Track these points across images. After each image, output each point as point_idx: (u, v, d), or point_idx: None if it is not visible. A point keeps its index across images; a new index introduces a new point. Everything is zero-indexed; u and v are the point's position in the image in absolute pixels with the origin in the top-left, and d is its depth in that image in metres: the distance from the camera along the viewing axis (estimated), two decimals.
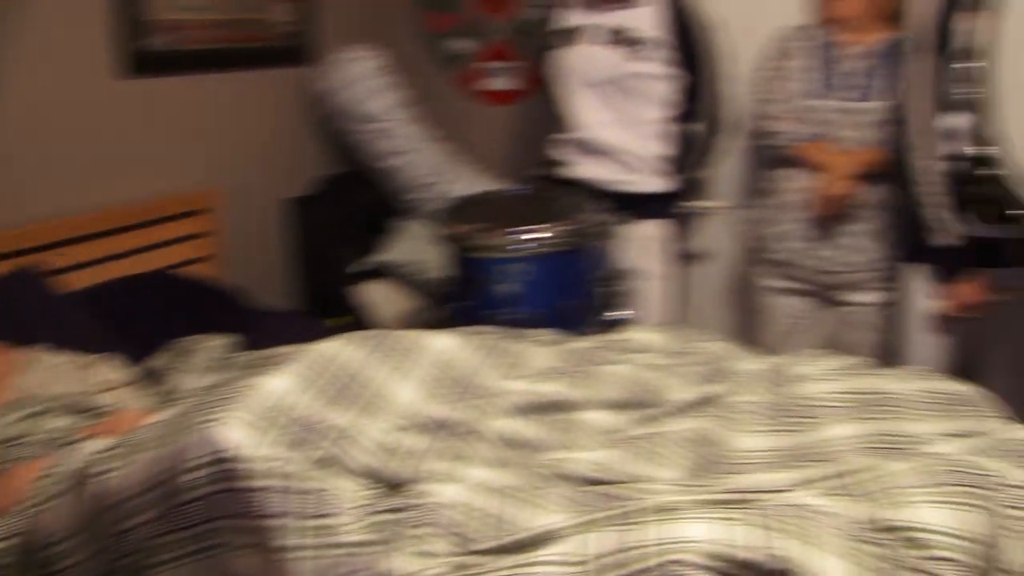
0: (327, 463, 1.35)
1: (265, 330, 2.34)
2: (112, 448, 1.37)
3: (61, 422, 1.69)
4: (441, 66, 3.69)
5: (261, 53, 3.21)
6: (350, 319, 3.07)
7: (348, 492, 1.29)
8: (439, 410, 1.59)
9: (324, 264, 3.26)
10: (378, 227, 3.28)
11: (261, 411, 1.34)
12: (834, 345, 2.51)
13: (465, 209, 2.85)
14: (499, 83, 3.64)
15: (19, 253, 2.40)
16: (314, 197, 3.34)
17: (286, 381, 1.44)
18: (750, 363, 1.92)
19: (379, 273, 3.19)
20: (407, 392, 1.60)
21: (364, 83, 3.30)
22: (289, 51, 3.32)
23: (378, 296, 3.15)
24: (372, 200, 3.34)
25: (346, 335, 1.68)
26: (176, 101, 2.91)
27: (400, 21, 3.70)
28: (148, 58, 2.79)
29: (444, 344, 1.77)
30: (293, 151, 3.35)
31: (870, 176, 2.52)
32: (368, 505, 1.30)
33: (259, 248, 3.23)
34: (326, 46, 3.37)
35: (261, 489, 1.22)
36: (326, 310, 3.11)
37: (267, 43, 3.24)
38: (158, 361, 2.16)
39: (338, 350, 1.60)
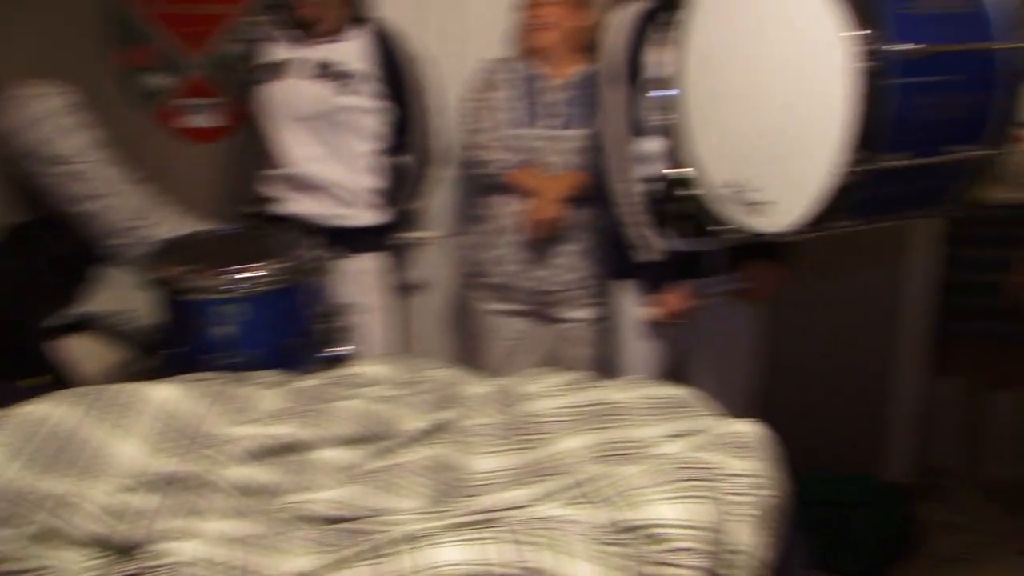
0: (45, 536, 1.25)
1: None
2: None
3: None
4: (137, 103, 3.52)
5: None
6: (49, 378, 2.84)
7: (74, 564, 1.21)
8: (167, 464, 1.52)
9: (13, 320, 2.98)
10: (77, 277, 3.06)
11: None
12: (555, 362, 2.65)
13: (173, 251, 2.72)
14: (201, 120, 3.51)
15: None
16: (5, 247, 3.05)
17: None
18: (478, 387, 1.98)
19: (82, 326, 2.97)
20: (130, 449, 1.52)
21: (50, 122, 3.07)
22: None
23: (81, 350, 2.93)
24: (68, 248, 3.11)
25: (56, 394, 1.56)
26: None
27: (89, 55, 3.48)
28: None
29: (165, 394, 1.69)
30: None
31: (576, 199, 2.69)
32: (96, 572, 1.21)
33: None
34: (3, 82, 3.11)
35: None
36: (19, 370, 2.85)
37: None
38: None
39: (48, 412, 1.49)
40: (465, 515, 1.34)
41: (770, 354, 2.63)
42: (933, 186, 1.82)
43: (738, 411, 1.80)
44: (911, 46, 1.63)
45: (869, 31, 1.60)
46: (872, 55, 1.60)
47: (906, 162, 1.67)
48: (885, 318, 3.32)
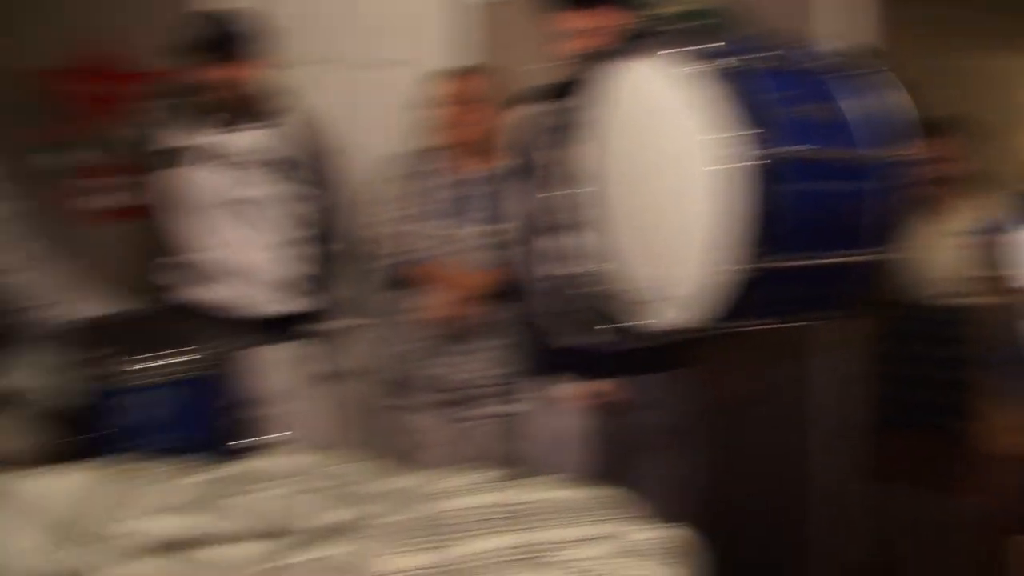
0: None
1: None
2: None
3: None
4: (36, 182, 3.42)
5: None
6: None
7: None
8: (57, 562, 1.46)
9: None
10: None
11: None
12: (469, 458, 2.62)
13: (88, 333, 2.67)
14: (103, 201, 3.43)
15: None
16: None
17: None
18: (390, 482, 1.95)
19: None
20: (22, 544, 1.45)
21: None
22: None
23: None
24: None
25: None
26: None
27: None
28: None
29: (59, 484, 1.63)
30: None
31: (491, 294, 2.70)
32: None
33: None
34: None
35: None
36: None
37: None
38: None
39: None
40: None
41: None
42: (830, 287, 1.89)
43: (676, 511, 1.79)
44: (800, 148, 1.70)
45: (756, 133, 1.67)
46: (760, 157, 1.66)
47: (796, 263, 1.73)
48: (804, 416, 3.36)
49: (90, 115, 3.40)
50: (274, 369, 2.80)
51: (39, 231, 3.18)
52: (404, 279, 2.78)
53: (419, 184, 2.81)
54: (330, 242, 2.89)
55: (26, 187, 3.37)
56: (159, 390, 2.40)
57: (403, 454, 2.82)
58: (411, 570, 1.60)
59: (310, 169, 2.83)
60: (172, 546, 1.58)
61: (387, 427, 2.91)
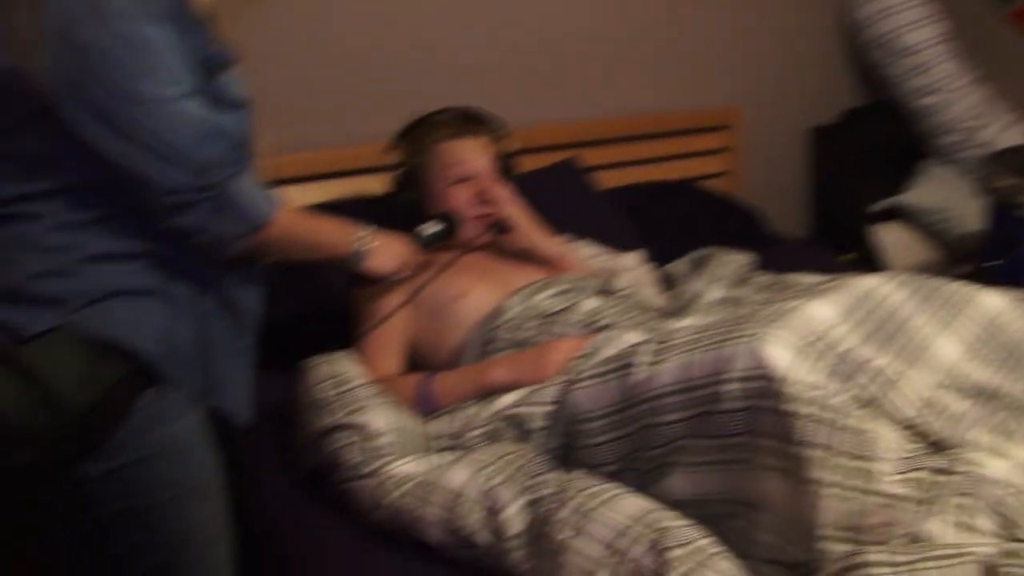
0: (864, 404, 1.27)
1: (778, 254, 2.30)
2: (651, 343, 1.41)
3: (591, 304, 1.79)
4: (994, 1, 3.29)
5: None
6: (855, 257, 2.92)
7: (890, 440, 1.21)
8: (981, 374, 1.44)
9: (840, 197, 3.11)
10: (903, 166, 3.05)
11: (805, 336, 1.29)
12: None
13: (1008, 160, 2.55)
14: None
15: (554, 148, 2.57)
16: (838, 127, 3.18)
17: (829, 310, 1.38)
18: None
19: (898, 215, 2.98)
20: (950, 348, 1.46)
21: (905, 13, 3.05)
22: None
23: (893, 239, 2.95)
24: (899, 137, 3.11)
25: (884, 273, 1.57)
26: (707, 14, 2.91)
27: None
28: None
29: (995, 303, 1.58)
30: (821, 78, 3.21)
31: None
32: (910, 459, 1.21)
33: (775, 171, 3.17)
34: None
35: (806, 417, 1.18)
36: (835, 244, 2.98)
37: None
38: (677, 267, 2.20)
39: (876, 286, 1.49)
40: None
41: None
42: None
43: None
44: None
45: None
46: None
47: None
48: None
49: None
50: None
51: (974, 52, 3.10)
52: None
53: None
54: None
55: (983, 5, 3.31)
56: None
57: None
58: None
59: None
60: None
61: None
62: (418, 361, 1.82)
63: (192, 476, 1.34)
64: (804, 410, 1.19)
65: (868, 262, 2.87)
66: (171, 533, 1.32)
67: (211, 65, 1.27)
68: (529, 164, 2.22)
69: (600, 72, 2.72)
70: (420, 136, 1.93)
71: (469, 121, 1.94)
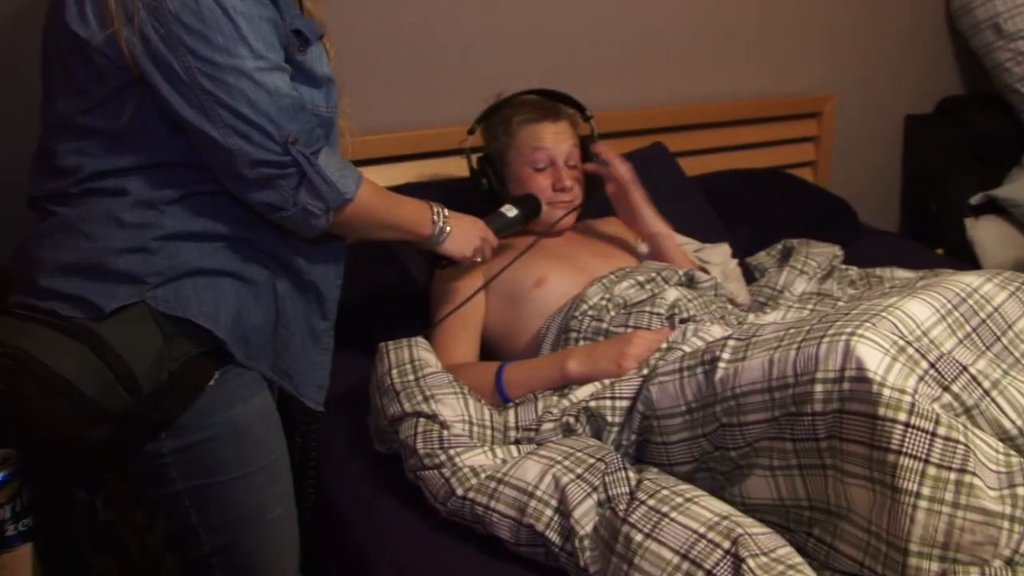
0: (961, 412, 1.20)
1: (868, 247, 2.22)
2: (734, 338, 1.36)
3: (672, 295, 1.73)
4: None
5: None
6: (946, 252, 2.81)
7: (988, 452, 1.14)
8: None
9: (934, 189, 2.99)
10: (1001, 159, 2.92)
11: (901, 338, 1.22)
12: None
13: None
14: None
15: (643, 132, 2.52)
16: (933, 116, 3.06)
17: (926, 310, 1.30)
18: None
19: (995, 209, 2.86)
20: None
21: None
22: None
23: (989, 234, 2.83)
24: (998, 128, 2.98)
25: (985, 271, 1.48)
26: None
27: None
28: None
29: None
30: (919, 64, 3.09)
31: None
32: (1009, 474, 1.13)
33: (867, 161, 3.07)
34: None
35: (902, 424, 1.12)
36: (928, 238, 2.87)
37: None
38: (763, 258, 2.14)
39: (977, 285, 1.41)
40: None
41: None
42: None
43: None
44: None
45: None
46: None
47: None
48: None
49: None
50: None
51: None
52: None
53: None
54: None
55: None
56: None
57: None
58: None
59: None
60: None
61: None
62: (492, 347, 1.80)
63: (261, 457, 1.34)
64: (900, 416, 1.12)
65: (962, 257, 2.76)
66: (238, 513, 1.33)
67: (298, 40, 1.26)
68: (615, 150, 2.17)
69: (690, 57, 2.65)
70: (501, 119, 1.90)
71: (552, 104, 1.91)
